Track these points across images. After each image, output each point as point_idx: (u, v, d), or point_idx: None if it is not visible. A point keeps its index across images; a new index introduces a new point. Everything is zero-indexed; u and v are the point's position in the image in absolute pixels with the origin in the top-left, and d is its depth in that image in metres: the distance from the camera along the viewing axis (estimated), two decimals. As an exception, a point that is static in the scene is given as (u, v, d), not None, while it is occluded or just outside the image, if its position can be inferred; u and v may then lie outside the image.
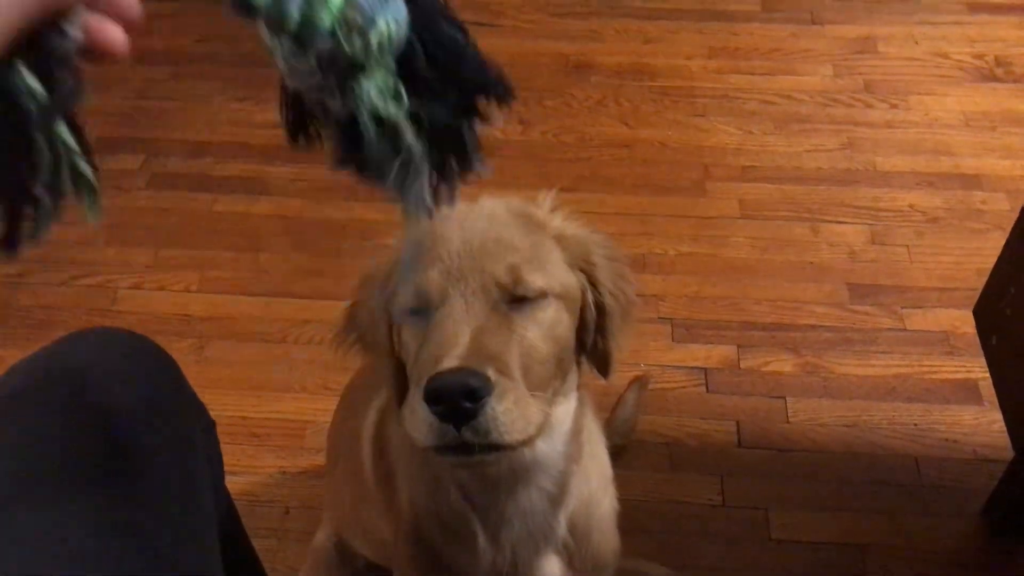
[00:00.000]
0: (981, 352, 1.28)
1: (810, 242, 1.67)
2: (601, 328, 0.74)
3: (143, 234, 1.72)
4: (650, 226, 1.71)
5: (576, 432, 0.77)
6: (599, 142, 1.90)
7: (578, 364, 0.76)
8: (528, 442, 0.63)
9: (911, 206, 1.73)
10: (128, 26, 0.32)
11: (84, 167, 0.34)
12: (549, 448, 0.74)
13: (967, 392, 1.43)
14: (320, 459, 1.34)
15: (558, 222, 0.73)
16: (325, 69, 0.37)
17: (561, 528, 0.79)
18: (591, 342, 0.74)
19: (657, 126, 1.93)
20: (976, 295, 1.30)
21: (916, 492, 1.31)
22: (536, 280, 0.66)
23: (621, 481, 1.31)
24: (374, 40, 0.37)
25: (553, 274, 0.69)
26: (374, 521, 0.94)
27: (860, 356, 1.48)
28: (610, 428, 1.34)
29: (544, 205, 0.75)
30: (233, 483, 0.94)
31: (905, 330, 1.52)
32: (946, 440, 1.37)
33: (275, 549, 1.26)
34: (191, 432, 0.72)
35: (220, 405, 0.86)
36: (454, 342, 0.61)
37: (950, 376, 1.45)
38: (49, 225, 0.34)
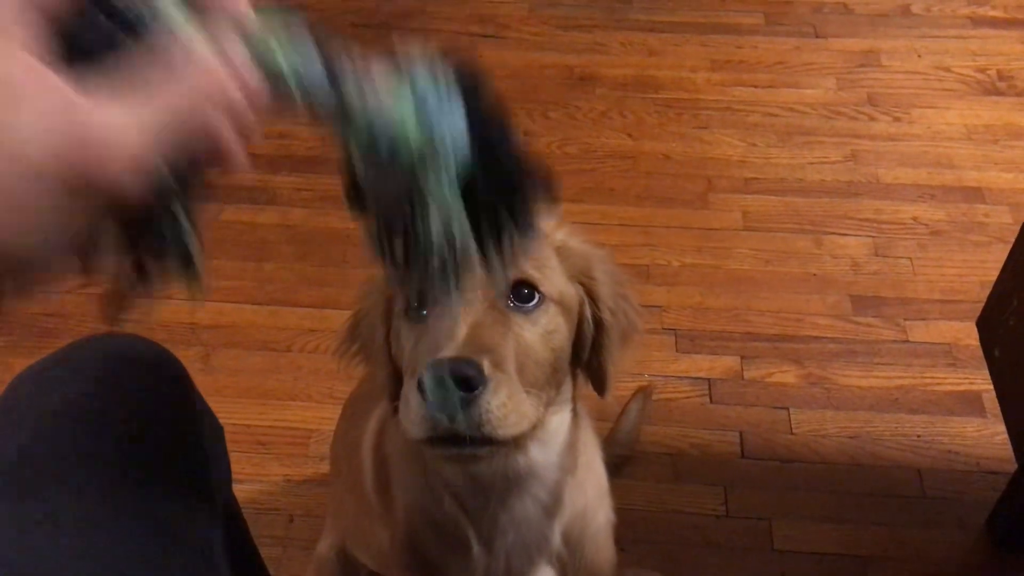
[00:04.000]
0: (984, 364, 1.29)
1: (813, 254, 1.68)
2: (598, 345, 0.74)
3: None
4: (654, 237, 1.72)
5: (571, 444, 0.77)
6: (603, 154, 1.91)
7: (574, 377, 0.76)
8: (520, 440, 0.63)
9: (914, 218, 1.74)
10: (248, 142, 0.38)
11: (194, 253, 0.40)
12: (543, 457, 0.73)
13: (970, 404, 1.43)
14: (325, 467, 1.34)
15: (561, 235, 0.74)
16: (397, 187, 0.42)
17: (556, 538, 0.79)
18: (587, 358, 0.74)
19: (661, 138, 1.94)
20: (979, 307, 1.30)
21: (919, 504, 1.31)
22: (533, 279, 0.66)
23: (624, 491, 1.32)
24: (442, 170, 0.41)
25: (552, 280, 0.69)
26: (375, 530, 0.94)
27: (863, 368, 1.49)
28: (613, 439, 1.34)
29: (547, 218, 0.75)
30: (238, 491, 0.94)
31: (908, 342, 1.52)
32: (949, 452, 1.37)
33: (279, 557, 1.26)
34: (199, 437, 0.73)
35: (225, 413, 0.87)
36: (451, 335, 0.61)
37: (953, 388, 1.45)
38: (150, 294, 0.40)
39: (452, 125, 0.41)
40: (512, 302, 0.66)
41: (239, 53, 0.36)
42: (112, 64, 0.35)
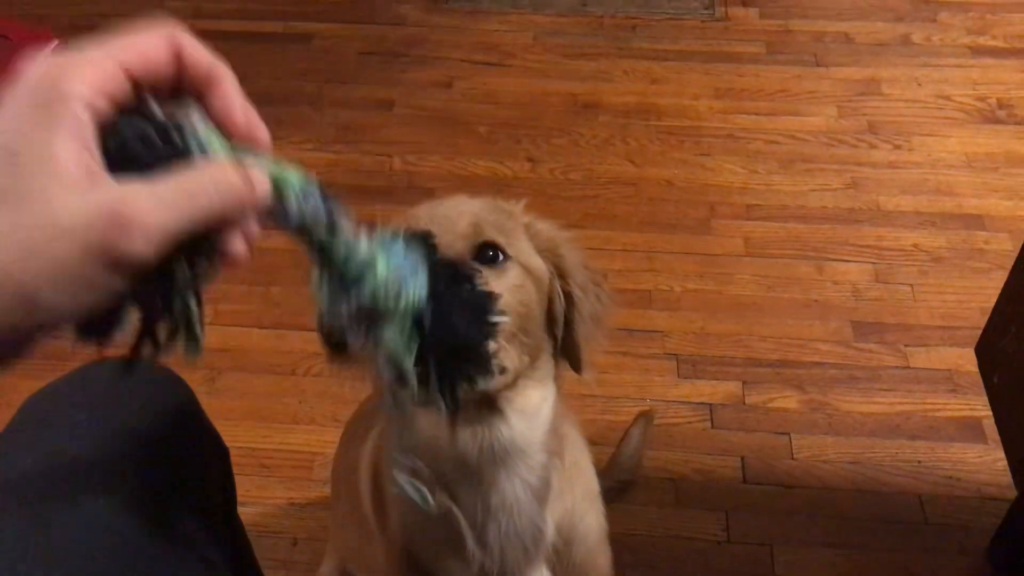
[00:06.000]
0: (984, 390, 1.29)
1: (815, 280, 1.69)
2: (570, 320, 0.75)
3: None
4: (656, 263, 1.73)
5: (555, 426, 0.76)
6: (606, 180, 1.93)
7: (555, 358, 0.77)
8: (501, 390, 0.65)
9: (915, 245, 1.75)
10: (250, 245, 0.44)
11: (197, 329, 0.45)
12: (527, 431, 0.73)
13: (971, 430, 1.43)
14: (328, 491, 1.35)
15: (528, 218, 0.76)
16: (356, 315, 0.49)
17: (549, 530, 0.79)
18: (562, 337, 0.75)
19: (663, 165, 1.96)
20: (979, 334, 1.31)
21: (920, 530, 1.31)
22: (499, 242, 0.68)
23: (626, 516, 1.33)
24: (402, 303, 0.49)
25: (519, 247, 0.71)
26: (374, 551, 0.95)
27: (864, 393, 1.49)
28: (615, 463, 1.35)
29: (516, 206, 0.78)
30: (242, 513, 0.95)
31: (909, 368, 1.53)
32: (950, 478, 1.38)
33: (282, 580, 1.27)
34: (206, 459, 0.74)
35: (230, 436, 0.88)
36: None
37: (954, 414, 1.46)
38: (157, 357, 0.45)
39: (416, 279, 0.50)
40: (478, 265, 0.67)
41: (254, 165, 0.42)
42: (148, 172, 0.40)
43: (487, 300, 0.55)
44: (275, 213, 0.44)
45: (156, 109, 0.41)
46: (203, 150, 0.42)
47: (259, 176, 0.42)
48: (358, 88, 2.19)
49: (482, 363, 0.55)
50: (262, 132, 0.44)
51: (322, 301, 0.50)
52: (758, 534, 1.32)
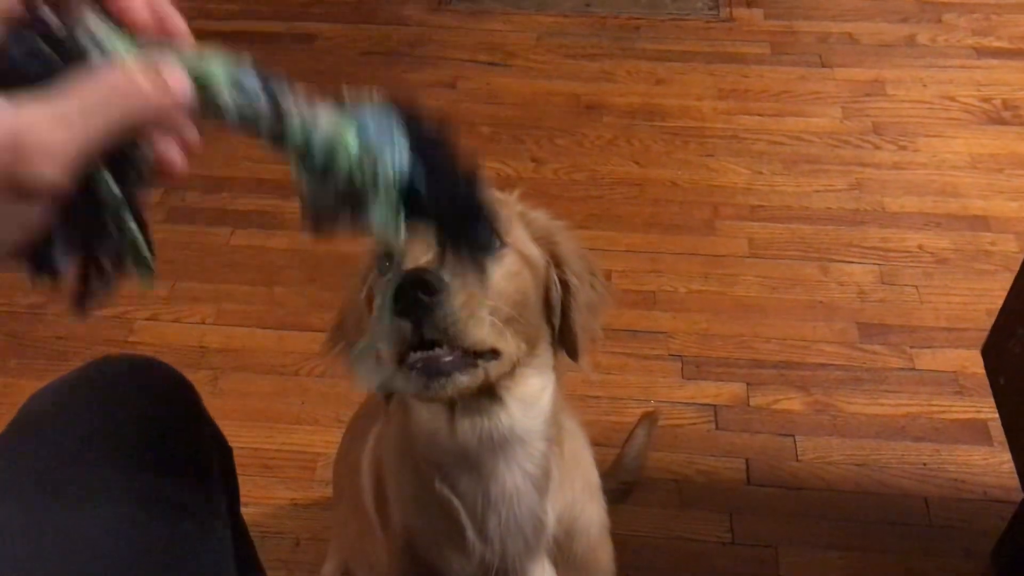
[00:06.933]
0: (990, 392, 1.29)
1: (819, 281, 1.69)
2: (567, 308, 0.75)
3: (160, 267, 1.69)
4: (660, 264, 1.73)
5: (555, 415, 0.76)
6: (610, 181, 1.92)
7: (554, 347, 0.76)
8: (484, 350, 0.64)
9: (920, 247, 1.74)
10: (187, 152, 0.41)
11: (144, 250, 0.42)
12: (527, 420, 0.72)
13: (976, 432, 1.43)
14: (331, 491, 1.34)
15: (522, 207, 0.76)
16: (340, 200, 0.46)
17: (550, 521, 0.78)
18: (560, 326, 0.75)
19: (667, 166, 1.96)
20: (985, 335, 1.30)
21: (925, 532, 1.31)
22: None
23: (630, 517, 1.32)
24: (381, 179, 0.45)
25: (515, 235, 0.71)
26: (376, 550, 0.94)
27: (869, 395, 1.49)
28: (619, 465, 1.35)
29: (511, 196, 0.78)
30: (244, 514, 0.95)
31: (914, 370, 1.53)
32: (955, 480, 1.37)
33: (285, 581, 1.27)
34: (209, 457, 0.74)
35: (233, 436, 0.88)
36: (415, 262, 0.63)
37: (959, 416, 1.45)
38: (111, 290, 0.42)
39: (393, 148, 0.45)
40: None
41: (166, 60, 0.38)
42: (44, 86, 0.37)
43: (473, 170, 0.50)
44: (207, 111, 0.40)
45: (50, 18, 0.38)
46: (105, 54, 0.38)
47: (174, 75, 0.38)
48: (361, 88, 2.18)
49: (492, 227, 0.50)
50: (175, 22, 0.40)
51: (302, 191, 0.47)
52: (762, 536, 1.31)
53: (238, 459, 0.89)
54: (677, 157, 1.98)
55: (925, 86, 2.15)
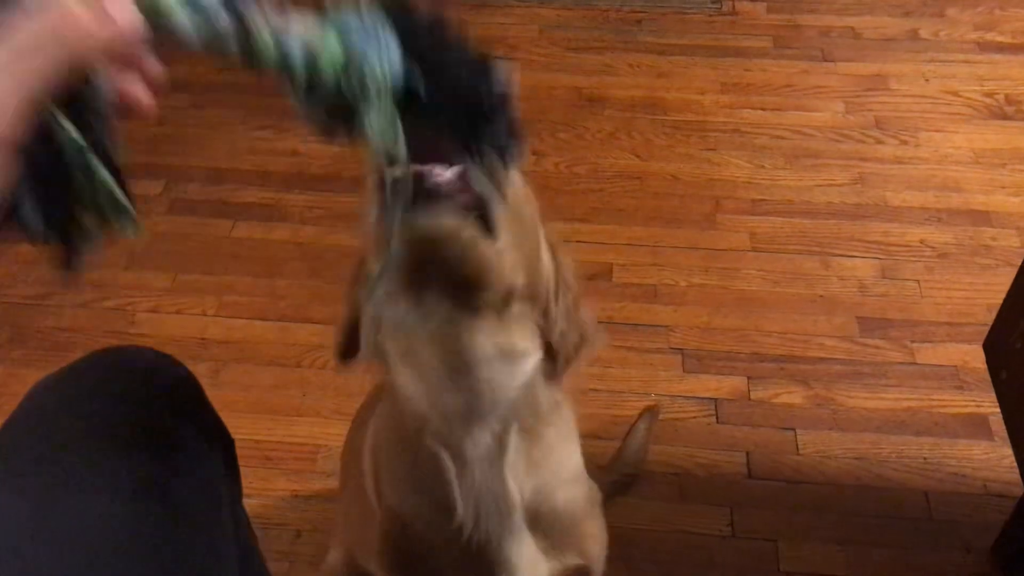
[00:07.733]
0: (991, 387, 1.29)
1: (820, 275, 1.69)
2: (549, 310, 0.72)
3: (162, 258, 1.75)
4: (661, 257, 1.73)
5: (533, 396, 0.73)
6: (611, 174, 1.92)
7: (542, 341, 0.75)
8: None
9: (921, 241, 1.74)
10: (154, 87, 0.38)
11: (120, 197, 0.39)
12: (505, 376, 0.69)
13: (977, 427, 1.43)
14: (332, 483, 1.35)
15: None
16: (331, 112, 0.42)
17: (515, 497, 0.76)
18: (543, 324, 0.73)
19: (669, 159, 1.95)
20: (986, 330, 1.30)
21: (925, 526, 1.31)
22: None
23: (630, 511, 1.33)
24: (371, 86, 0.41)
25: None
26: (375, 533, 0.94)
27: (870, 389, 1.49)
28: (620, 458, 1.35)
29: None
30: (246, 505, 0.95)
31: (915, 364, 1.53)
32: (956, 475, 1.37)
33: (286, 573, 1.27)
34: (211, 448, 0.74)
35: (234, 428, 0.88)
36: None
37: (960, 410, 1.46)
38: (96, 246, 0.40)
39: (380, 48, 0.41)
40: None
41: None
42: None
43: (482, 57, 0.45)
44: (165, 38, 0.37)
45: None
46: None
47: (116, 3, 0.35)
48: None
49: (511, 123, 0.45)
50: None
51: (296, 108, 0.43)
52: (763, 529, 1.31)
53: (239, 451, 0.89)
54: (679, 151, 1.97)
55: (927, 81, 2.14)
